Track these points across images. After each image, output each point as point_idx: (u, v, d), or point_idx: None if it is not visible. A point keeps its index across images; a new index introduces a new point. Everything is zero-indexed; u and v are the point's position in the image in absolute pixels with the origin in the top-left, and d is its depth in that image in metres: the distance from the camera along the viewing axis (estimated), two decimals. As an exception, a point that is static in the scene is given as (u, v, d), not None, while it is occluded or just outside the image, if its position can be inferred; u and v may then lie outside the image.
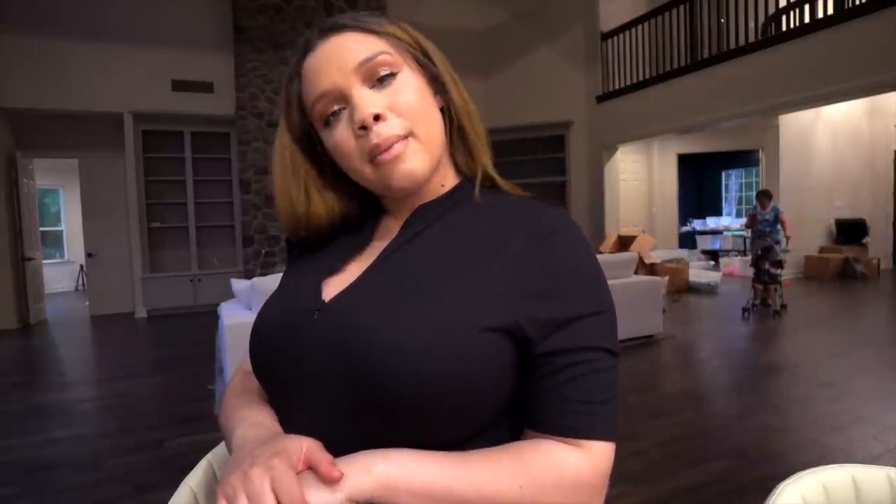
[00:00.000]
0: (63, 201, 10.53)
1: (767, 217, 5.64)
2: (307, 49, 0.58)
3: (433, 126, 0.57)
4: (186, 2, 6.62)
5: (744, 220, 5.96)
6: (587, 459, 0.49)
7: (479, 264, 0.52)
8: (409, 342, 0.47)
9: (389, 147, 0.53)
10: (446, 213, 0.59)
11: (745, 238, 5.96)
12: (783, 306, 5.28)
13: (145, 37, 6.39)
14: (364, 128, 0.53)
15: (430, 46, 0.60)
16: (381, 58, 0.54)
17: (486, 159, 0.63)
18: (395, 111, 0.54)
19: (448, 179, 0.62)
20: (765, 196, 5.80)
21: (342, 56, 0.54)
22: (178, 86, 6.61)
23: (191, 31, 6.62)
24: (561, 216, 0.56)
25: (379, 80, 0.55)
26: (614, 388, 0.52)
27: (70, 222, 10.36)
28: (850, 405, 2.84)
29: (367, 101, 0.54)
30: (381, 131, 0.53)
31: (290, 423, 0.53)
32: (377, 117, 0.53)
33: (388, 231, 0.61)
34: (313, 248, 0.66)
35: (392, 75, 0.55)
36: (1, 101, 5.88)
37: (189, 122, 6.88)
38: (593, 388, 0.50)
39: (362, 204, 0.65)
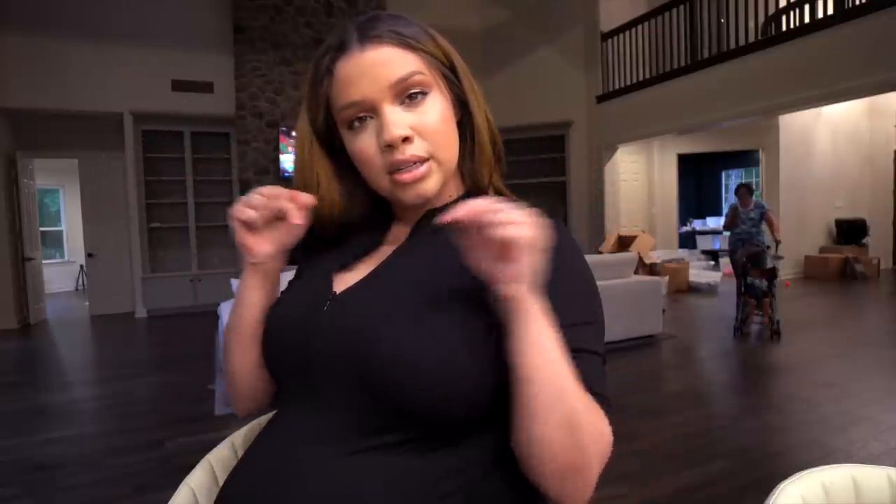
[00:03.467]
0: (63, 201, 10.52)
1: (752, 216, 4.97)
2: (343, 48, 0.57)
3: (451, 149, 0.60)
4: (186, 2, 6.62)
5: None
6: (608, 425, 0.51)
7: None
8: (416, 351, 0.49)
9: (410, 167, 0.56)
10: None
11: (739, 239, 5.10)
12: (777, 322, 4.32)
13: (145, 37, 6.38)
14: (391, 146, 0.56)
15: (457, 60, 0.63)
16: (415, 78, 0.56)
17: (494, 175, 0.65)
18: (420, 133, 0.57)
19: (453, 188, 0.65)
20: (746, 190, 5.05)
21: (378, 71, 0.56)
22: (178, 86, 6.61)
23: (191, 31, 6.62)
24: (564, 230, 0.59)
25: (409, 97, 0.57)
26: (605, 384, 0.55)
27: (70, 222, 10.35)
28: (850, 405, 2.84)
29: (398, 121, 0.56)
30: (406, 150, 0.56)
31: (294, 410, 0.56)
32: (405, 139, 0.56)
33: (398, 236, 0.65)
34: (324, 248, 0.68)
35: (423, 94, 0.57)
36: (1, 101, 5.88)
37: (189, 121, 6.87)
38: (590, 379, 0.51)
39: (369, 202, 0.66)
